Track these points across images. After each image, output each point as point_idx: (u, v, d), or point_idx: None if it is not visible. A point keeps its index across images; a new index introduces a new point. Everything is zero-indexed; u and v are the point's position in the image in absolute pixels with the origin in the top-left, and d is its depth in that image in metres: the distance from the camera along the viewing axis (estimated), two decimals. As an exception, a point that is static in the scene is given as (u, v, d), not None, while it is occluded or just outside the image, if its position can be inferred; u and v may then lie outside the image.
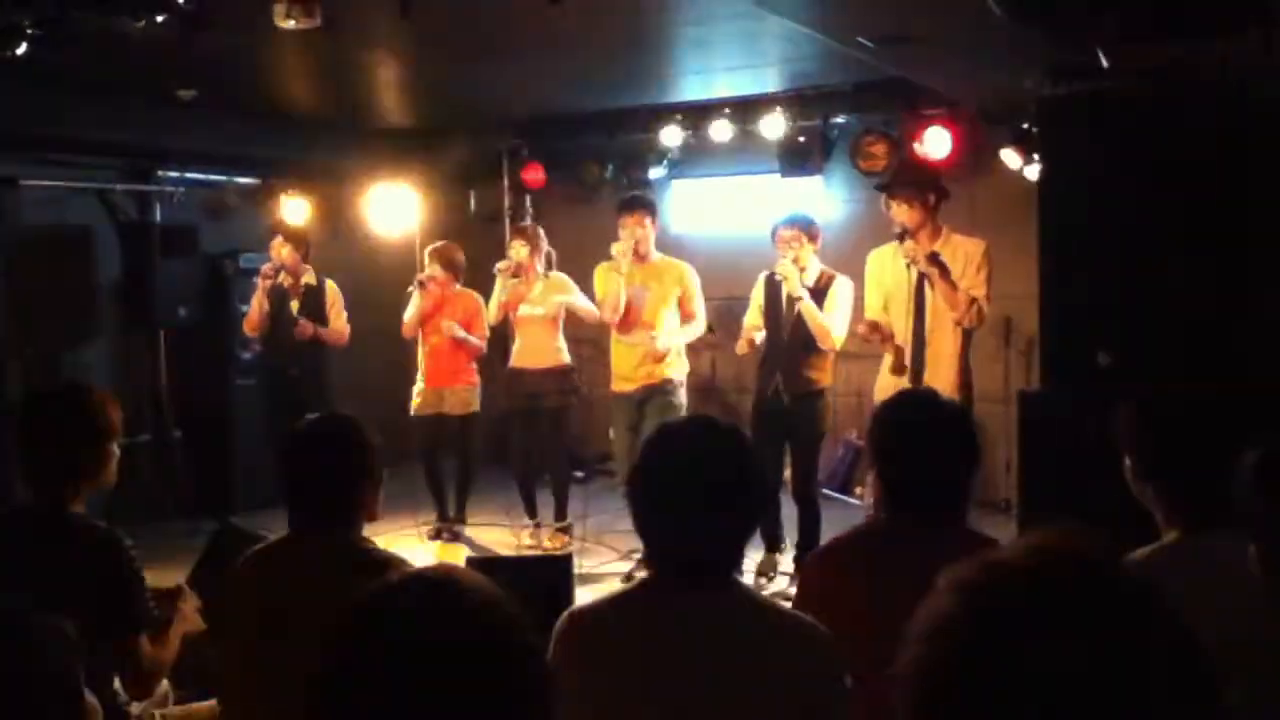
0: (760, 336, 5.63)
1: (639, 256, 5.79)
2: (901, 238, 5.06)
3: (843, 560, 2.45)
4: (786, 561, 5.75)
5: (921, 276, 5.09)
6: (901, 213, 5.09)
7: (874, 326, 5.20)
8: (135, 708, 2.98)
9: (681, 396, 5.93)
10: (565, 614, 2.02)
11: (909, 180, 5.25)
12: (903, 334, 5.15)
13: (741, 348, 5.69)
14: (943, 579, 0.90)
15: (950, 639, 0.86)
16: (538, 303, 6.38)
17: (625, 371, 5.94)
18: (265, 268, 6.56)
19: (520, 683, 1.15)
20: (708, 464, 1.96)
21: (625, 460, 5.84)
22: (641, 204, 5.91)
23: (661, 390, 5.86)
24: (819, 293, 5.46)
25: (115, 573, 2.73)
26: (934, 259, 4.96)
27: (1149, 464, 2.41)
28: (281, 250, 6.59)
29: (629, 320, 5.87)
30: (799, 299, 5.41)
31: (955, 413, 2.50)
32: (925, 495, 2.34)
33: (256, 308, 6.59)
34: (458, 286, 6.69)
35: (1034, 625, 0.83)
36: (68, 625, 1.51)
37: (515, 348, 6.56)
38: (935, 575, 0.97)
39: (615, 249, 5.76)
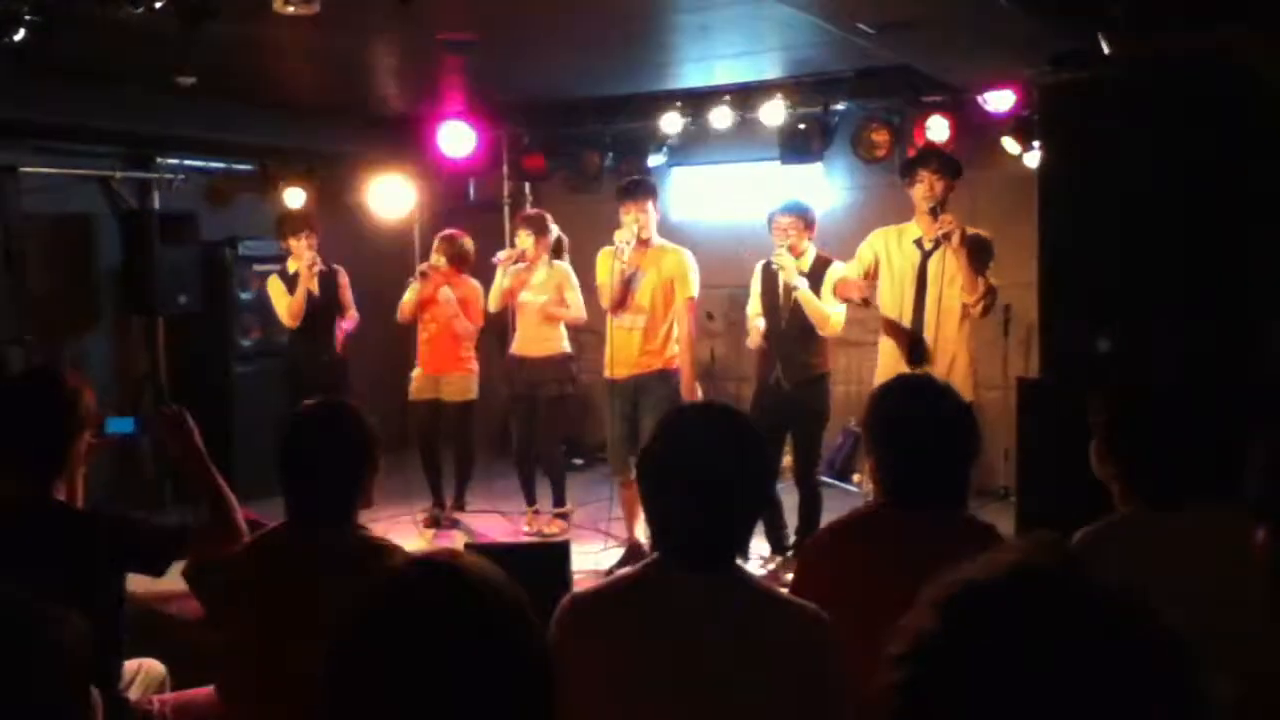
0: (763, 324, 5.62)
1: (641, 242, 5.67)
2: (935, 213, 5.04)
3: (840, 546, 2.46)
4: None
5: (925, 263, 5.09)
6: (921, 191, 5.08)
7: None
8: (133, 695, 3.00)
9: (678, 386, 5.75)
10: (567, 597, 2.03)
11: (936, 160, 5.23)
12: (904, 319, 5.16)
13: (754, 341, 5.65)
14: (922, 597, 0.92)
15: (931, 656, 0.88)
16: (539, 290, 6.38)
17: (620, 357, 5.75)
18: (308, 257, 6.51)
19: (524, 665, 1.16)
20: (719, 449, 1.97)
21: (618, 447, 5.83)
22: (643, 189, 5.77)
23: (659, 380, 5.72)
24: (815, 278, 5.45)
25: (121, 528, 2.78)
26: (966, 239, 4.95)
27: (1116, 440, 2.41)
28: (313, 241, 6.58)
29: (621, 302, 5.76)
30: (795, 288, 5.41)
31: (953, 398, 2.49)
32: (922, 482, 2.34)
33: (301, 299, 6.52)
34: (463, 277, 6.67)
35: (1011, 640, 0.85)
36: (77, 617, 1.51)
37: (516, 335, 6.55)
38: (932, 561, 0.98)
39: (619, 237, 5.63)
